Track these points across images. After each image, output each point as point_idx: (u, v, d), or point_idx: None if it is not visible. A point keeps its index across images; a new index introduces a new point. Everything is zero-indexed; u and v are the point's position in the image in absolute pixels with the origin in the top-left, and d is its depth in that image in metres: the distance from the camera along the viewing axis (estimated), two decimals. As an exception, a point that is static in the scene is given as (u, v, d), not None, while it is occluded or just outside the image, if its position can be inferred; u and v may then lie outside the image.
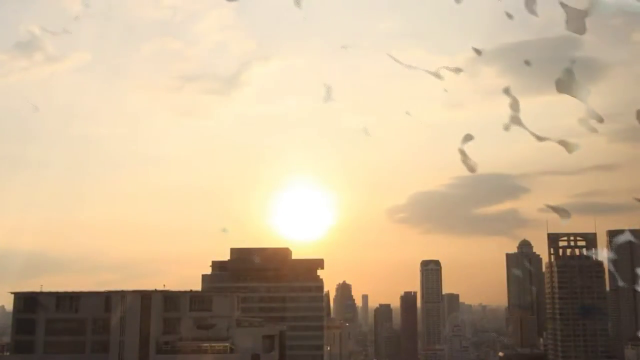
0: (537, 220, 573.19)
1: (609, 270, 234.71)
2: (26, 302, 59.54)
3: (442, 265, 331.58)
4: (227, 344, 56.67)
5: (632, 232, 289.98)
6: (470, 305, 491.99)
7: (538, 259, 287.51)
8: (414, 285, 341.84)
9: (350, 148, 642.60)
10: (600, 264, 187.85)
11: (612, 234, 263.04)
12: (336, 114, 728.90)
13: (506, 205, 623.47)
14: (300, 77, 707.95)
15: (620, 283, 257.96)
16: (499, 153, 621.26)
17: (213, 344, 56.69)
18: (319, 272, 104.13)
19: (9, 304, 61.18)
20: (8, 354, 59.03)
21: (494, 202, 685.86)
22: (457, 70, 9.88)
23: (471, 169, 9.16)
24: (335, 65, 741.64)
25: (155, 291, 59.10)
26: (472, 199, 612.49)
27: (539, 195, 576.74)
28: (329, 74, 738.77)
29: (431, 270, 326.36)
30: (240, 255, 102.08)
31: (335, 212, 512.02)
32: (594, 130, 8.29)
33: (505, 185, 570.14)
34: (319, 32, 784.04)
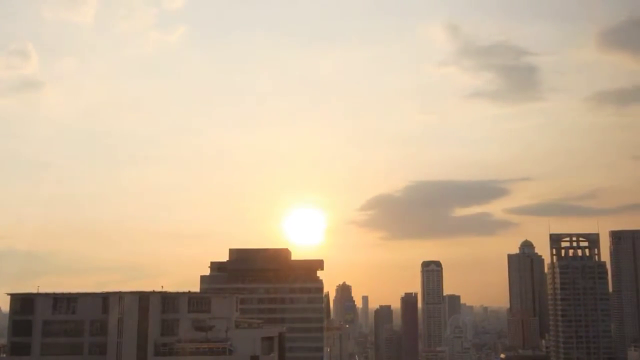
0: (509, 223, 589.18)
1: (612, 271, 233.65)
2: (23, 303, 58.84)
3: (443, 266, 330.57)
4: (226, 346, 55.93)
5: (635, 232, 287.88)
6: (471, 307, 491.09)
7: (540, 260, 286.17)
8: (415, 286, 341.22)
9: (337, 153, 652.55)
10: (603, 264, 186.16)
11: (615, 235, 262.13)
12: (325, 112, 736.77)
13: (484, 208, 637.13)
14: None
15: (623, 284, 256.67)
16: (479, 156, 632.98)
17: (211, 346, 55.93)
18: (319, 273, 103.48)
19: (5, 305, 60.26)
20: (4, 355, 58.36)
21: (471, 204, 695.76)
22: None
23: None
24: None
25: (153, 292, 58.34)
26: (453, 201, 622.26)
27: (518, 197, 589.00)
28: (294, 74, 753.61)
29: (432, 271, 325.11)
30: (239, 256, 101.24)
31: (330, 213, 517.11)
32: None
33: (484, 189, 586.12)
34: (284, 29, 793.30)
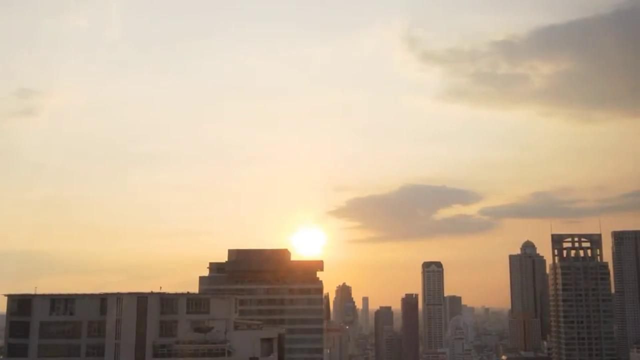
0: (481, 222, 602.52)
1: (614, 272, 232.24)
2: (20, 304, 58.34)
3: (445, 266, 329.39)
4: (225, 347, 55.47)
5: (637, 233, 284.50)
6: (472, 308, 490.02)
7: (541, 261, 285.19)
8: (416, 287, 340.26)
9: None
10: (605, 265, 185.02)
11: (617, 235, 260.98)
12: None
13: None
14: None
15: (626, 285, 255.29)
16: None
17: (210, 347, 55.49)
18: (319, 274, 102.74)
19: (2, 306, 59.80)
20: (1, 357, 57.94)
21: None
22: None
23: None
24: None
25: (152, 293, 57.89)
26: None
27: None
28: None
29: (433, 272, 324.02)
30: (239, 257, 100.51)
31: (328, 213, 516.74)
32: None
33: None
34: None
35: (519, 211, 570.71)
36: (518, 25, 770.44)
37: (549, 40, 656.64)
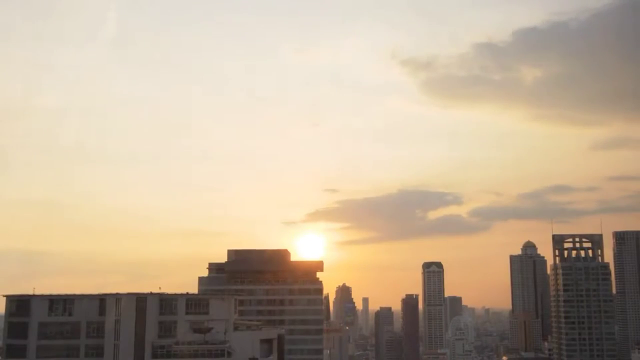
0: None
1: (615, 273, 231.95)
2: (19, 305, 58.14)
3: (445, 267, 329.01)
4: (224, 348, 55.24)
5: (639, 233, 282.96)
6: (473, 308, 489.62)
7: (542, 261, 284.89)
8: (416, 287, 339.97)
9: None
10: (606, 265, 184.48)
11: (619, 235, 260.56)
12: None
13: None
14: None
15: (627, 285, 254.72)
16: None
17: (210, 348, 55.25)
18: (319, 275, 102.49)
19: (1, 307, 59.60)
20: (0, 358, 57.72)
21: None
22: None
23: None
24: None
25: (151, 294, 57.64)
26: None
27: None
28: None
29: (433, 272, 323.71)
30: (238, 257, 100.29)
31: (327, 214, 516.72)
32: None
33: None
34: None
35: (517, 212, 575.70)
36: (501, 27, 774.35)
37: (534, 42, 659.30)
